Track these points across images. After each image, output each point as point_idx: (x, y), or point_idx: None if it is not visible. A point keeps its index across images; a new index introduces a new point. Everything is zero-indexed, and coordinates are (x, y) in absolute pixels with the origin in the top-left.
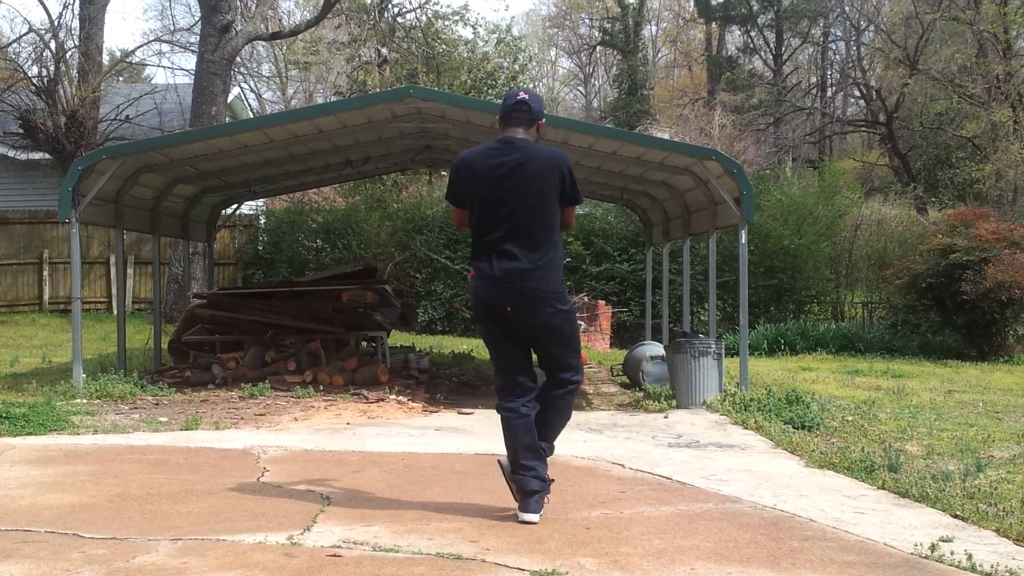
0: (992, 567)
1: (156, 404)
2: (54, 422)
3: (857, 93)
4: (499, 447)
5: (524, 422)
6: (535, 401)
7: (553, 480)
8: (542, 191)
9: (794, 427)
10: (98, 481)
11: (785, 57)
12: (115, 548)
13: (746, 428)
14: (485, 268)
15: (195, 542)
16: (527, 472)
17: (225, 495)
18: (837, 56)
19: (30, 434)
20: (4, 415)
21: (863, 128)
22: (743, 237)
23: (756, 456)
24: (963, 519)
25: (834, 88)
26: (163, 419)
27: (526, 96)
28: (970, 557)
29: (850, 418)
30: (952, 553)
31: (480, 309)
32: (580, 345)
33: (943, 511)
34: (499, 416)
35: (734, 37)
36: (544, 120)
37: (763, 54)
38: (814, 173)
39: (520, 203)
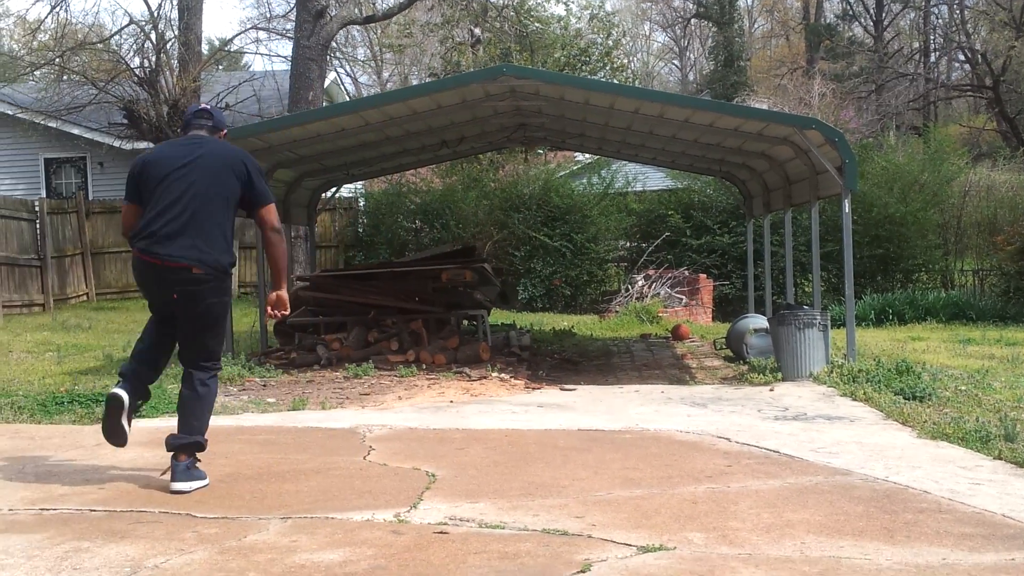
0: None
1: (264, 385)
2: (165, 405)
3: (961, 57)
4: (603, 423)
5: None
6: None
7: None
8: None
9: (905, 398)
10: (209, 462)
11: (886, 23)
12: (227, 527)
13: (855, 400)
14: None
15: (304, 520)
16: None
17: (332, 474)
18: (940, 20)
19: (142, 417)
20: None
21: (969, 93)
22: (847, 206)
23: (866, 428)
24: None
25: (937, 53)
26: (271, 400)
27: (207, 106)
28: None
29: (963, 388)
30: None
31: None
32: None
33: None
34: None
35: (832, 4)
36: (226, 131)
37: (863, 20)
38: (919, 140)
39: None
